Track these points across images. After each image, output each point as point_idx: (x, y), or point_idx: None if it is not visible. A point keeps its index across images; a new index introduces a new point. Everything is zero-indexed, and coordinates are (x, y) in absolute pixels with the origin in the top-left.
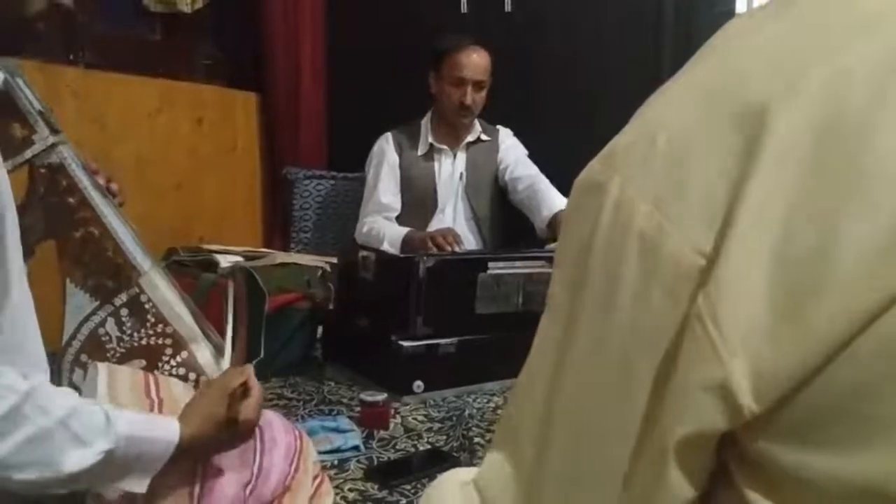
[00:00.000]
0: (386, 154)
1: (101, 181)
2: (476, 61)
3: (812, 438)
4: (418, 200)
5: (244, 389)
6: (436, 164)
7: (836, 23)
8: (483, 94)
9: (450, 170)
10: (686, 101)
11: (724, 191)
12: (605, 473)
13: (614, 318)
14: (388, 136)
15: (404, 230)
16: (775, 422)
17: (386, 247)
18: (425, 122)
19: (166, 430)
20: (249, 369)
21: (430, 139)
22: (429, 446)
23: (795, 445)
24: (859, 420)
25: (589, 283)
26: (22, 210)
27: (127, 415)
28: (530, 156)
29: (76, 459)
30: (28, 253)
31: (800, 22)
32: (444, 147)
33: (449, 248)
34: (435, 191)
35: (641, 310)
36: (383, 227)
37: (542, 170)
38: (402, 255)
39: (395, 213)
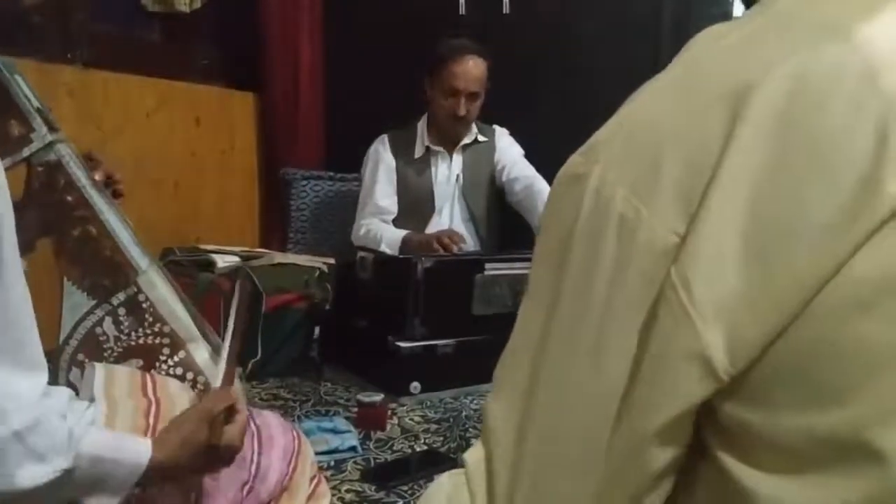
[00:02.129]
0: (382, 157)
1: (100, 176)
2: (471, 71)
3: (778, 398)
4: (415, 203)
5: (228, 414)
6: (432, 167)
7: (799, 28)
8: (478, 104)
9: (446, 172)
10: (663, 96)
11: (699, 174)
12: (581, 452)
13: (593, 296)
14: (384, 138)
15: (402, 232)
16: (745, 383)
17: (384, 249)
18: (421, 125)
19: (135, 452)
20: (235, 392)
21: (426, 142)
22: (426, 447)
23: (764, 406)
24: (819, 377)
25: (570, 265)
26: (19, 208)
27: (94, 434)
28: (527, 157)
29: (31, 475)
30: (27, 249)
31: (765, 27)
32: (441, 149)
33: (455, 248)
34: (432, 193)
35: (618, 287)
36: (381, 229)
37: (540, 171)
38: (400, 256)
39: (392, 216)
